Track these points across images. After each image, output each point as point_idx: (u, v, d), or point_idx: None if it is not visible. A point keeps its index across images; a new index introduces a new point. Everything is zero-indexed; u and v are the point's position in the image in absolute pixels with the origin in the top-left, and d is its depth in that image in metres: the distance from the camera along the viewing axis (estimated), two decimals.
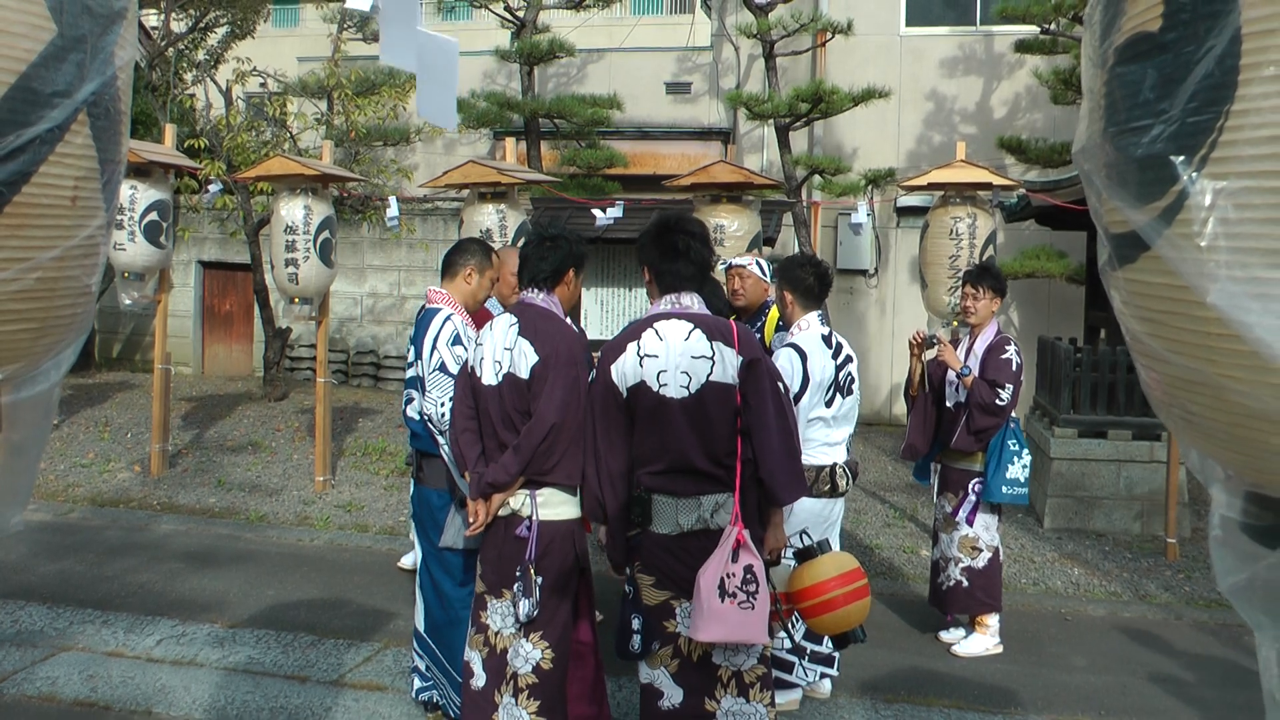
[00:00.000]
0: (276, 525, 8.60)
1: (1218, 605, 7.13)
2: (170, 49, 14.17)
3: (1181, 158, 1.22)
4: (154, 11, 14.70)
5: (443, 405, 4.55)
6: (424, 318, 4.89)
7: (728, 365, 3.74)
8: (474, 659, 4.22)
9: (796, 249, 13.10)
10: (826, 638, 4.91)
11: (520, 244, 4.34)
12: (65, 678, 5.38)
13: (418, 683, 5.01)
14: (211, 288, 16.39)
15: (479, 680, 4.18)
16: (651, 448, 3.78)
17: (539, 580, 4.00)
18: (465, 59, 15.81)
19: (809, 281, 5.30)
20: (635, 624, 3.86)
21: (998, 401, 5.87)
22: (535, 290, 4.22)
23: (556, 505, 4.08)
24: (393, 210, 9.70)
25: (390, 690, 5.35)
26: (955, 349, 6.27)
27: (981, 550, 6.05)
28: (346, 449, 11.10)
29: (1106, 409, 9.03)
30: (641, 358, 3.79)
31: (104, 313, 15.99)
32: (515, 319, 4.14)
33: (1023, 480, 6.01)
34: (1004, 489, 5.97)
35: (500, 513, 4.10)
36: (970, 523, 6.06)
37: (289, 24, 19.05)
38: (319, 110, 14.27)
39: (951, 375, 6.11)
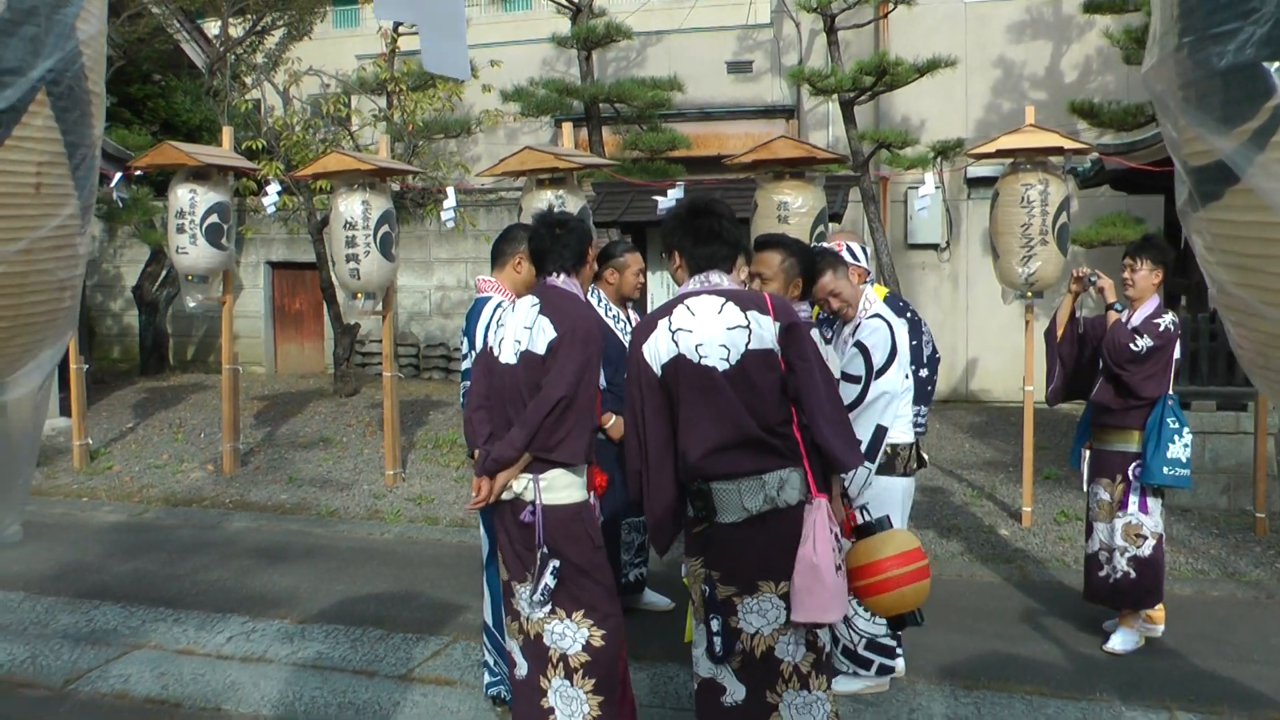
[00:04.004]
0: (347, 520, 8.61)
1: None
2: (229, 54, 14.24)
3: (1277, 65, 1.01)
4: (214, 19, 14.80)
5: None
6: (475, 307, 4.85)
7: (765, 331, 3.63)
8: (514, 647, 4.18)
9: (865, 225, 12.84)
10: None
11: (529, 235, 4.36)
12: (137, 675, 5.40)
13: (487, 677, 4.94)
14: (281, 287, 16.52)
15: (521, 669, 4.13)
16: (703, 425, 3.65)
17: (555, 564, 3.94)
18: (523, 47, 15.78)
19: (835, 254, 5.13)
20: (715, 625, 3.72)
21: (1132, 345, 5.55)
22: (558, 274, 4.21)
23: (561, 489, 4.01)
24: (450, 202, 9.64)
25: (459, 685, 5.27)
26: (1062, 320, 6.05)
27: (1147, 537, 5.65)
28: (417, 442, 11.09)
29: (1189, 379, 8.70)
30: (675, 333, 3.69)
31: (176, 316, 16.19)
32: (537, 300, 4.12)
33: (1184, 460, 5.56)
34: (1165, 469, 5.53)
35: (504, 497, 4.04)
36: (1144, 509, 5.66)
37: (349, 25, 19.11)
38: (377, 107, 14.27)
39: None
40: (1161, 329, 5.61)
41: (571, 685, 3.97)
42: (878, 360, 4.80)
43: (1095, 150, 8.81)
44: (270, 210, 10.57)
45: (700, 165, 14.34)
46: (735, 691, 3.69)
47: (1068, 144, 7.69)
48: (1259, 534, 7.70)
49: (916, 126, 14.22)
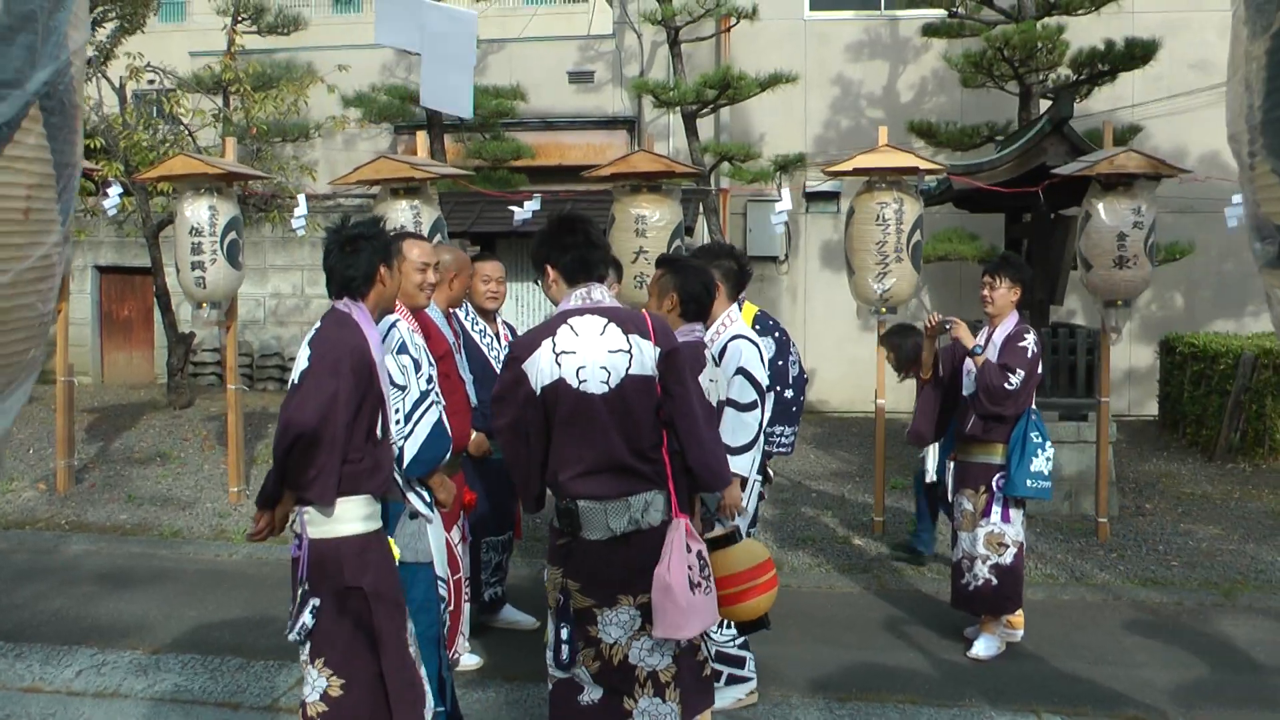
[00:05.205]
0: (192, 540, 8.23)
1: (1154, 584, 7.17)
2: None
3: None
4: None
5: (396, 422, 4.26)
6: None
7: (645, 357, 3.70)
8: None
9: (707, 237, 12.98)
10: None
11: (324, 253, 3.97)
12: None
13: None
14: (109, 293, 15.78)
15: None
16: (575, 448, 3.70)
17: (315, 603, 3.67)
18: (363, 52, 15.40)
19: (735, 267, 5.18)
20: (564, 634, 3.81)
21: (1006, 385, 5.71)
22: (340, 296, 3.86)
23: (323, 523, 3.70)
24: (301, 209, 9.36)
25: None
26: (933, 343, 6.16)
27: (1008, 546, 5.83)
28: (258, 456, 10.70)
29: None
30: (558, 355, 3.69)
31: None
32: (316, 326, 3.85)
33: (1046, 473, 5.81)
34: (1028, 482, 5.76)
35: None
36: (1005, 518, 5.86)
37: (176, 19, 18.38)
38: (216, 106, 13.75)
39: (969, 364, 5.91)
40: (1029, 355, 5.80)
41: None
42: (763, 378, 4.85)
43: (946, 170, 9.09)
44: (111, 213, 10.06)
45: (542, 174, 14.30)
46: (592, 692, 3.77)
47: (923, 164, 7.91)
48: (1101, 538, 8.05)
49: (757, 140, 14.48)
